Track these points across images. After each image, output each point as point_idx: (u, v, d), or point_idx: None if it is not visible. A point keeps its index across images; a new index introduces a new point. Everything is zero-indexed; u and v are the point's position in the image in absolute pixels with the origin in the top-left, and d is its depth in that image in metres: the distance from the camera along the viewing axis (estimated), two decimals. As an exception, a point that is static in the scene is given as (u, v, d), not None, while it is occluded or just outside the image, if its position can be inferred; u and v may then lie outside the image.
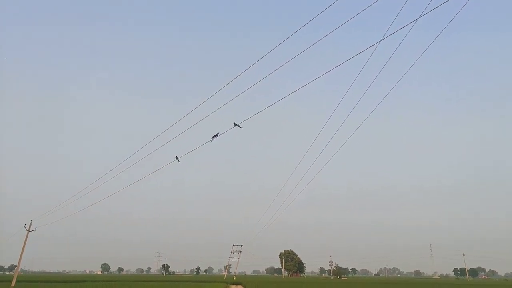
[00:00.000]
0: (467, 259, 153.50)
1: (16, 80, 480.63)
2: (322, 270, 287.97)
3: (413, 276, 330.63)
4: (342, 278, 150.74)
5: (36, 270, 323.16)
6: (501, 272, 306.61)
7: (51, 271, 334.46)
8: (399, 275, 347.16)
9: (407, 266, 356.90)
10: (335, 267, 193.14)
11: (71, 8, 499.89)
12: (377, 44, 15.73)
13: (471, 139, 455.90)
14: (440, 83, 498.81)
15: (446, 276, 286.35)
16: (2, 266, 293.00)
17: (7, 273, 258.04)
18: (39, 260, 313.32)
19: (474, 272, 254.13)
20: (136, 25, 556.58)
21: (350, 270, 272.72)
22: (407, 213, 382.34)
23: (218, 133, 20.29)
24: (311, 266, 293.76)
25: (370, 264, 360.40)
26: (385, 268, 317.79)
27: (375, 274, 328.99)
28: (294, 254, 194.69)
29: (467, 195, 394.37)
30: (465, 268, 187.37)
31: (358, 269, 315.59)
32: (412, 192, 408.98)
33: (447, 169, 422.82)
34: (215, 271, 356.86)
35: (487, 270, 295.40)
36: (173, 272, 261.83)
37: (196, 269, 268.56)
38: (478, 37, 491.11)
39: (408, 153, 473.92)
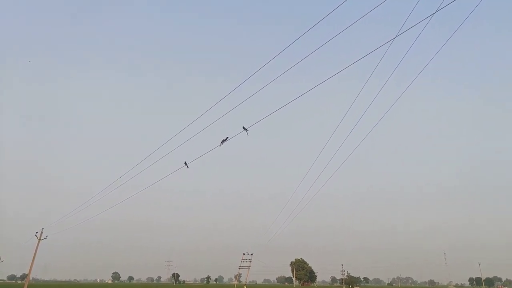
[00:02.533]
0: (482, 268, 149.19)
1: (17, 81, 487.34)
2: (333, 280, 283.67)
3: (427, 285, 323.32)
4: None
5: (48, 279, 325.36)
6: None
7: (63, 279, 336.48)
8: (412, 284, 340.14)
9: (420, 275, 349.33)
10: (347, 276, 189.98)
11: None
12: (386, 43, 15.38)
13: (485, 141, 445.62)
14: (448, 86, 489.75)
15: (462, 286, 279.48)
16: (14, 275, 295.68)
17: (19, 281, 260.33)
18: (51, 268, 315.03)
19: (490, 281, 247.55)
20: (142, 27, 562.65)
21: (362, 279, 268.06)
22: (419, 219, 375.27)
23: (227, 138, 20.08)
24: (323, 275, 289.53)
25: (383, 273, 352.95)
26: (398, 278, 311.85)
27: (388, 284, 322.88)
28: (305, 262, 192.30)
29: (483, 200, 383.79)
30: (481, 278, 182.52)
31: (370, 278, 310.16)
32: (424, 198, 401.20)
33: (458, 174, 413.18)
34: (225, 280, 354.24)
35: (503, 280, 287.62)
36: (183, 281, 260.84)
37: (206, 278, 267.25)
38: (489, 38, 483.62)
39: (420, 156, 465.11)
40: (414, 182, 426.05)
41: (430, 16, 14.27)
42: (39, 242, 54.73)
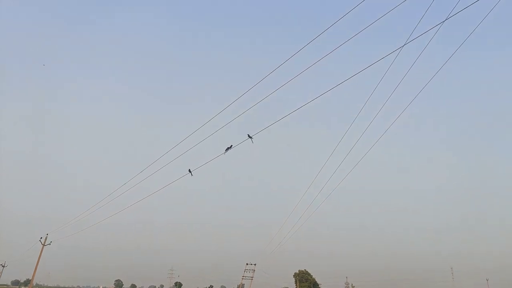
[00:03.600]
0: (491, 285, 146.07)
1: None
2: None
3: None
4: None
5: (51, 285, 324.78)
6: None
7: (66, 286, 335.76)
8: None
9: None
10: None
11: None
12: (395, 51, 15.36)
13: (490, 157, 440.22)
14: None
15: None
16: (18, 280, 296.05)
17: (22, 287, 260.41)
18: (55, 274, 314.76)
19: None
20: (146, 32, 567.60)
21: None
22: (425, 235, 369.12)
23: (231, 146, 20.09)
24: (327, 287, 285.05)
25: (389, 287, 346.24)
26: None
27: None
28: (309, 274, 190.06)
29: (490, 218, 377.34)
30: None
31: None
32: (426, 211, 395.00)
33: (467, 190, 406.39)
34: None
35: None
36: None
37: (209, 287, 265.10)
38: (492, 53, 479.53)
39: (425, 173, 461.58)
40: (420, 193, 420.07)
41: (440, 24, 14.27)
42: (43, 247, 54.81)
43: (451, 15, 14.06)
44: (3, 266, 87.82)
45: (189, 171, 23.09)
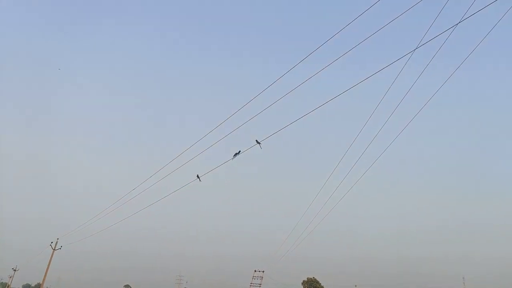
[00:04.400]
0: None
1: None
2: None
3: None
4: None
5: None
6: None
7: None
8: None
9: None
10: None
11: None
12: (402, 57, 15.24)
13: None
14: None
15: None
16: (29, 284, 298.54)
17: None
18: (65, 278, 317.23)
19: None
20: (153, 39, 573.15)
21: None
22: (435, 244, 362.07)
23: (239, 151, 20.05)
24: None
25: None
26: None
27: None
28: (318, 282, 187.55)
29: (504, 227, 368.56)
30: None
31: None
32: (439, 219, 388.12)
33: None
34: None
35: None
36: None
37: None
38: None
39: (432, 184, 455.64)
40: (429, 195, 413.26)
41: (453, 28, 14.14)
42: (53, 252, 55.28)
43: (465, 17, 13.93)
44: (15, 270, 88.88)
45: (197, 176, 23.16)
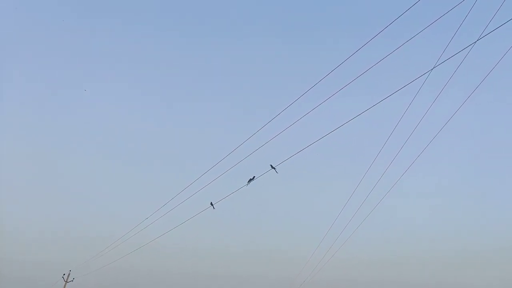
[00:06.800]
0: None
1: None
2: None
3: None
4: None
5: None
6: None
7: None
8: None
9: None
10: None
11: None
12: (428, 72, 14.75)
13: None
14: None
15: None
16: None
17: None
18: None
19: None
20: (164, 62, 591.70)
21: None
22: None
23: (254, 177, 19.48)
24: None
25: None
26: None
27: None
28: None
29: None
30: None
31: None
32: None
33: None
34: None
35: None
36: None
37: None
38: None
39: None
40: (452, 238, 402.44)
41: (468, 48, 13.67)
42: (65, 284, 54.38)
43: (482, 35, 13.45)
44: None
45: (211, 204, 22.61)
